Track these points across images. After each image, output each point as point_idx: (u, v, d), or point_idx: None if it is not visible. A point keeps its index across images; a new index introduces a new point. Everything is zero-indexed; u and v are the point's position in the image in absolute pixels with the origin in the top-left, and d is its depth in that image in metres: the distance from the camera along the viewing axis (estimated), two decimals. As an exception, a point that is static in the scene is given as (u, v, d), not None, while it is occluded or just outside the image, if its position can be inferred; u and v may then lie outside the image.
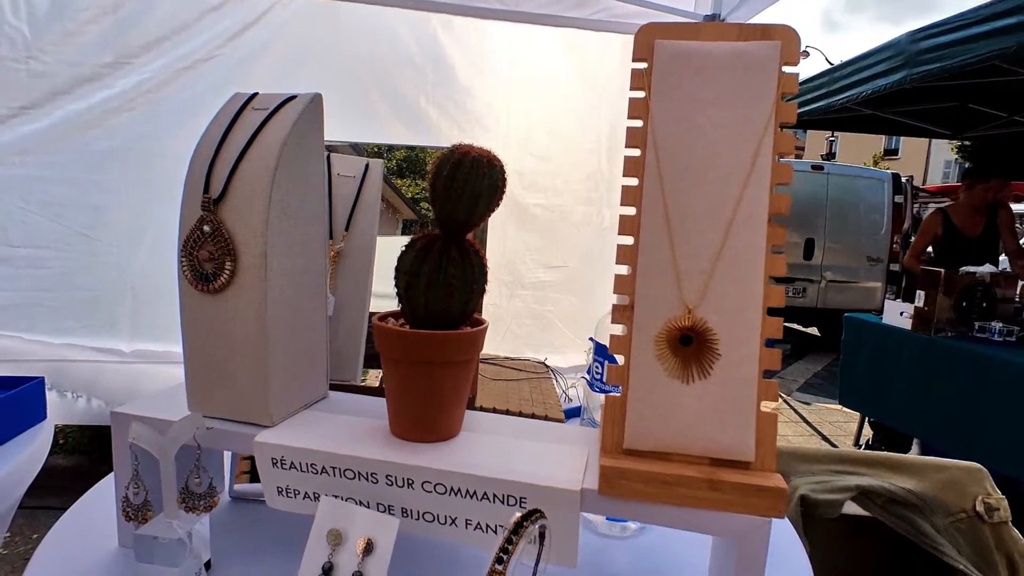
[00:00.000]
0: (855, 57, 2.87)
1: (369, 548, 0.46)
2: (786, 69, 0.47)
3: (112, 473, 0.68)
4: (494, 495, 0.48)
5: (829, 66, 3.24)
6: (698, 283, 0.47)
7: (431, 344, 0.50)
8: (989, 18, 2.26)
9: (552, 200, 2.35)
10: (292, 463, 0.51)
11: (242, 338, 0.52)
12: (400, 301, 0.53)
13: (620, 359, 0.49)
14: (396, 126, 2.14)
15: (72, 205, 2.02)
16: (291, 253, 0.54)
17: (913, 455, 1.05)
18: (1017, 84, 2.71)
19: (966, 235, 2.63)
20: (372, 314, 0.71)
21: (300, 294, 0.56)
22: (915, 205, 5.02)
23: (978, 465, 1.01)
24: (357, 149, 0.91)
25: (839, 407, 2.90)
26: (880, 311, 2.52)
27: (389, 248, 0.73)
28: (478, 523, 0.49)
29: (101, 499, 0.65)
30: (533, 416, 0.77)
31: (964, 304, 2.32)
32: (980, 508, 0.97)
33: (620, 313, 0.49)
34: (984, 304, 2.33)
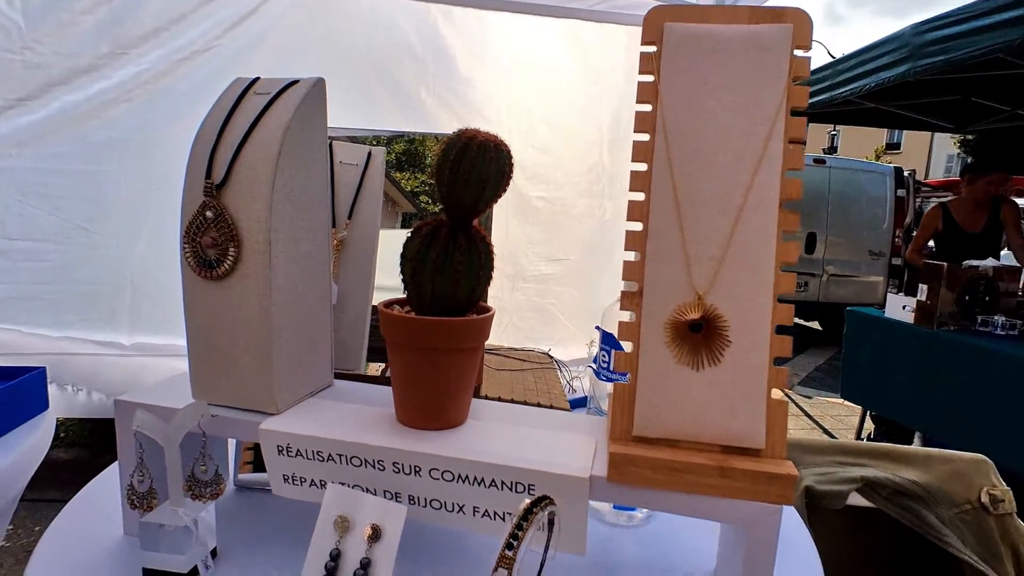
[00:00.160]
0: (858, 50, 2.86)
1: (377, 535, 0.46)
2: (798, 53, 0.47)
3: (115, 463, 0.68)
4: (502, 482, 0.48)
5: (831, 59, 3.23)
6: (708, 269, 0.46)
7: (438, 331, 0.50)
8: (993, 10, 2.25)
9: (554, 193, 2.34)
10: (298, 451, 0.51)
11: (246, 325, 0.52)
12: (406, 287, 0.52)
13: (629, 346, 0.48)
14: (396, 117, 2.13)
15: (70, 197, 2.01)
16: (295, 239, 0.54)
17: (918, 447, 1.05)
18: (1021, 77, 2.70)
19: (965, 231, 2.63)
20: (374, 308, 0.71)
21: (304, 281, 0.56)
22: (917, 199, 5.01)
23: (983, 457, 1.01)
24: (356, 142, 0.90)
25: (841, 401, 2.91)
26: (882, 305, 2.52)
27: (388, 242, 0.73)
28: (486, 510, 0.49)
29: (105, 488, 0.65)
30: (539, 406, 0.77)
31: (967, 298, 2.32)
32: (985, 500, 0.97)
33: (629, 300, 0.48)
34: (987, 298, 2.33)
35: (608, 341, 0.62)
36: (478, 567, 0.57)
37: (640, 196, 0.49)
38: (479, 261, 0.51)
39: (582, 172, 2.36)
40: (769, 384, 0.46)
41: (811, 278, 4.63)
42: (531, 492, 0.47)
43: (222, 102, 0.55)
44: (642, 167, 0.49)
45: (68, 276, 2.04)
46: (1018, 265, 2.48)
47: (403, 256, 0.51)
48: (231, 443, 0.68)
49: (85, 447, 2.29)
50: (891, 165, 4.84)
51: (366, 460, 0.50)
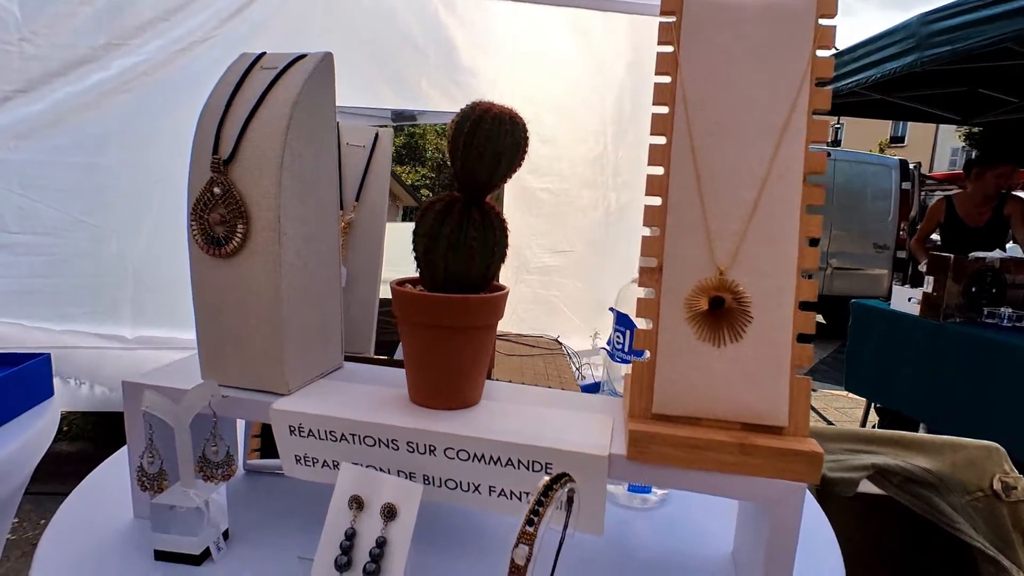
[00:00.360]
0: (865, 40, 2.83)
1: (392, 514, 0.45)
2: (823, 21, 0.46)
3: (124, 447, 0.67)
4: (519, 461, 0.47)
5: (836, 51, 3.20)
6: (730, 244, 0.45)
7: (454, 308, 0.49)
8: (1002, 0, 2.23)
9: (558, 184, 2.33)
10: (310, 431, 0.50)
11: (256, 303, 0.51)
12: (418, 265, 0.51)
13: (644, 323, 0.48)
14: (397, 107, 2.12)
15: (71, 190, 2.00)
16: (305, 216, 0.53)
17: (930, 435, 1.04)
18: (1029, 67, 2.67)
19: (967, 225, 2.61)
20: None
21: (314, 259, 0.55)
22: (922, 192, 4.98)
23: (996, 444, 1.00)
24: (362, 117, 0.89)
25: (845, 393, 2.90)
26: (886, 298, 2.51)
27: (389, 235, 0.72)
28: (502, 490, 0.49)
29: (113, 473, 0.64)
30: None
31: (973, 290, 2.31)
32: (997, 487, 0.96)
33: (648, 276, 0.47)
34: (994, 290, 2.32)
35: (623, 322, 0.62)
36: (494, 547, 0.56)
37: (659, 170, 0.48)
38: (494, 237, 0.50)
39: (586, 163, 2.35)
40: (792, 361, 0.45)
41: (815, 271, 4.61)
42: (548, 471, 0.47)
43: (228, 77, 0.54)
44: (661, 140, 0.47)
45: (69, 269, 2.03)
46: (1025, 257, 2.46)
47: (416, 232, 0.50)
48: (240, 428, 0.68)
49: (89, 440, 2.29)
50: (896, 158, 4.81)
51: (380, 440, 0.49)
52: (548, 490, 0.40)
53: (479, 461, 0.48)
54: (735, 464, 0.44)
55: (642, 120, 2.34)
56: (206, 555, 0.51)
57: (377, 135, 0.75)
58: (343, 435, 0.50)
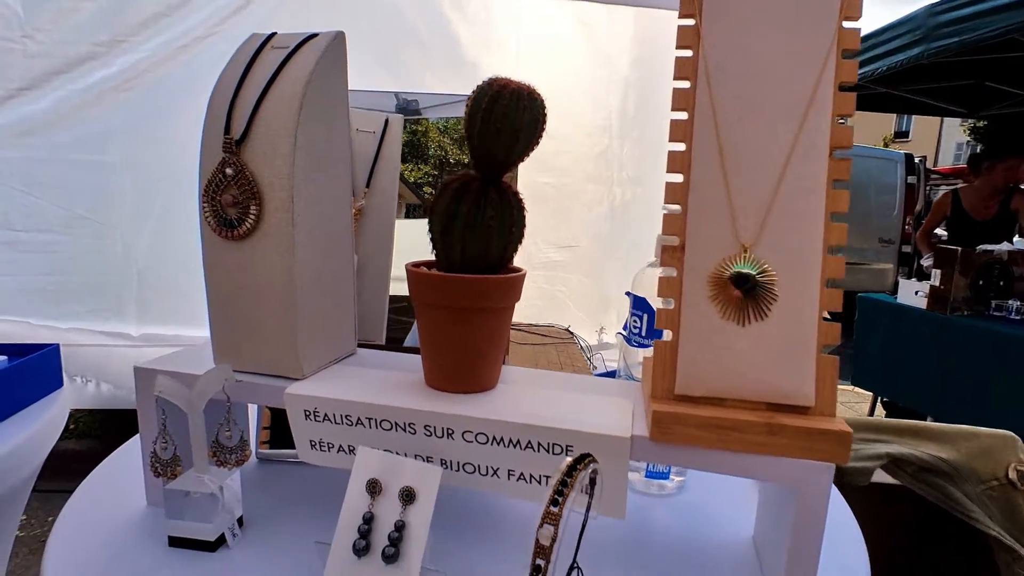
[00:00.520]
0: (871, 32, 2.82)
1: (411, 497, 0.45)
2: (847, -9, 0.45)
3: (134, 437, 0.67)
4: (538, 443, 0.46)
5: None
6: (754, 220, 0.44)
7: (471, 288, 0.48)
8: (1009, -10, 2.21)
9: (562, 179, 2.32)
10: (326, 415, 0.50)
11: (269, 286, 0.50)
12: (434, 247, 0.50)
13: (660, 303, 0.47)
14: (377, 120, 2.11)
15: (74, 188, 2.00)
16: (318, 198, 0.52)
17: (944, 424, 1.03)
18: (1036, 58, 2.65)
19: (974, 219, 2.60)
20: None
21: (328, 241, 0.54)
22: (927, 187, 4.95)
23: (1011, 433, 0.99)
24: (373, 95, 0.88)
25: (851, 387, 2.88)
26: (891, 293, 2.49)
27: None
28: (521, 473, 0.48)
29: (124, 462, 0.64)
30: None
31: (981, 283, 2.29)
32: (1013, 476, 0.95)
33: (670, 254, 0.46)
34: (1001, 283, 2.30)
35: (639, 306, 0.61)
36: (513, 532, 0.55)
37: (680, 146, 0.47)
38: (511, 217, 0.49)
39: (591, 158, 2.34)
40: (819, 340, 0.44)
41: (842, 247, 4.55)
42: (569, 453, 0.46)
43: (239, 56, 0.53)
44: (682, 116, 0.46)
45: (74, 267, 2.03)
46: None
47: (432, 212, 0.49)
48: (252, 417, 0.67)
49: (96, 438, 2.29)
50: (901, 152, 4.79)
51: (397, 424, 0.48)
52: (572, 470, 0.39)
53: (498, 444, 0.47)
54: (762, 444, 0.43)
55: (647, 115, 2.33)
56: (221, 541, 0.50)
57: (387, 121, 0.75)
58: (359, 419, 0.49)
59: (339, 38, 0.54)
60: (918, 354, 2.36)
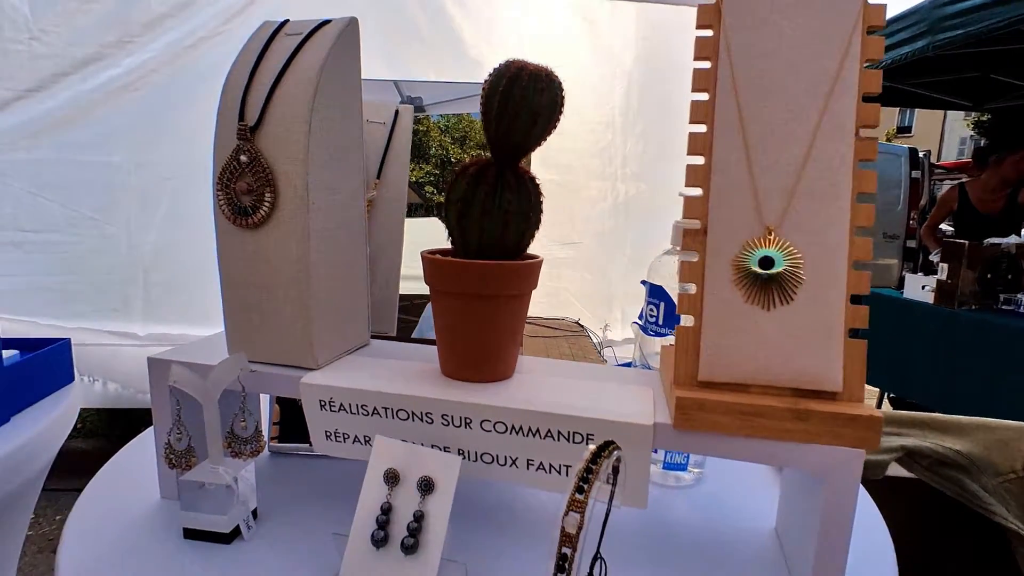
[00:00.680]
0: (874, 25, 2.79)
1: (429, 487, 0.44)
2: (872, -32, 0.43)
3: (144, 432, 0.66)
4: (558, 432, 0.45)
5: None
6: (779, 201, 0.43)
7: (490, 275, 0.47)
8: (1013, -18, 2.19)
9: (565, 176, 2.30)
10: (341, 405, 0.49)
11: (284, 274, 0.49)
12: (450, 234, 0.49)
13: (692, 288, 0.46)
14: (387, 111, 2.10)
15: (81, 188, 2.00)
16: (332, 186, 0.51)
17: (960, 416, 1.02)
18: (1042, 50, 2.63)
19: (981, 212, 2.57)
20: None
21: (342, 229, 0.53)
22: (931, 182, 4.92)
23: (1028, 424, 0.98)
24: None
25: (858, 384, 2.86)
26: (896, 288, 2.47)
27: None
28: (540, 463, 0.47)
29: (137, 455, 0.63)
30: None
31: (988, 276, 2.27)
32: (1030, 468, 0.94)
33: (692, 238, 0.45)
34: (1009, 276, 2.27)
35: (656, 294, 0.59)
36: (531, 522, 0.54)
37: (701, 128, 0.45)
38: (529, 202, 0.48)
39: (594, 154, 2.32)
40: (846, 323, 0.43)
41: (869, 228, 4.51)
42: (590, 442, 0.45)
43: (251, 44, 0.53)
44: (703, 97, 0.45)
45: (81, 267, 2.03)
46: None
47: (448, 199, 0.48)
48: (264, 409, 0.66)
49: (103, 437, 2.29)
50: (905, 146, 4.75)
51: (413, 413, 0.47)
52: (596, 457, 0.38)
53: (517, 433, 0.46)
54: (788, 431, 0.42)
55: (650, 110, 2.31)
56: (236, 533, 0.49)
57: (397, 112, 0.74)
58: (375, 409, 0.48)
59: (352, 24, 0.53)
60: (925, 349, 2.34)
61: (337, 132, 0.51)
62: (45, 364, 0.70)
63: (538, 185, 0.49)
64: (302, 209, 0.48)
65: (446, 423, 0.47)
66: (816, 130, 0.43)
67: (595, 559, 0.42)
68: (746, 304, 0.44)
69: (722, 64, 0.44)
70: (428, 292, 0.61)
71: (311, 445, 0.65)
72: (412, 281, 0.68)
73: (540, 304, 2.30)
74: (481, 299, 0.48)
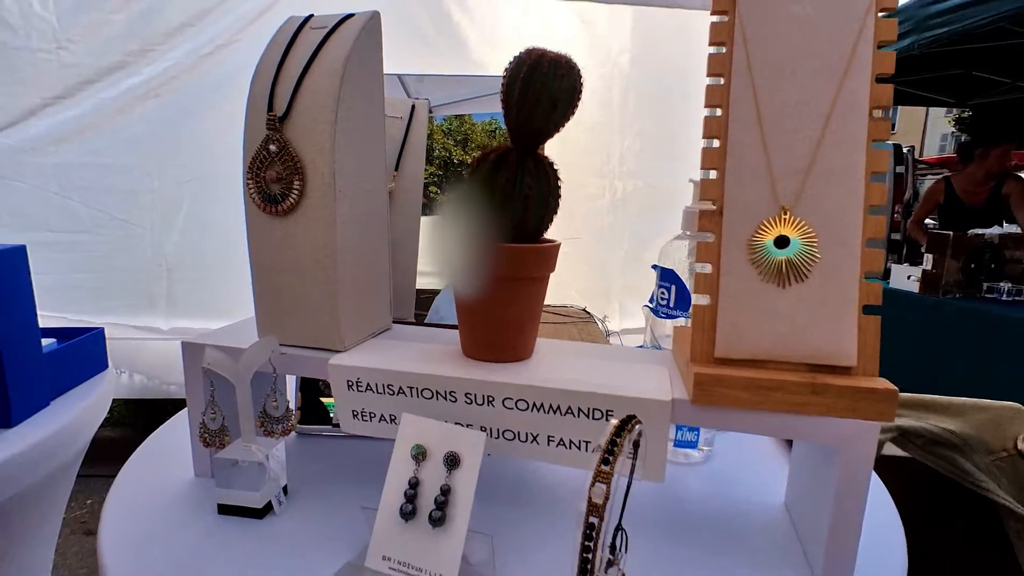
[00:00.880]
0: (861, 26, 2.75)
1: (455, 462, 0.43)
2: (883, -48, 0.42)
3: (173, 417, 0.65)
4: (579, 409, 0.44)
5: None
6: (794, 181, 0.42)
7: (510, 257, 0.46)
8: (997, -21, 2.15)
9: (565, 174, 2.27)
10: (368, 384, 0.48)
11: (312, 259, 0.48)
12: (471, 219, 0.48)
13: (708, 268, 0.44)
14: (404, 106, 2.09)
15: (106, 191, 2.00)
16: (358, 174, 0.50)
17: (953, 397, 1.01)
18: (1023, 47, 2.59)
19: (966, 204, 2.55)
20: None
21: (367, 216, 0.52)
22: (915, 176, 4.88)
23: (1019, 405, 0.97)
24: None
25: (847, 370, 2.84)
26: (882, 279, 2.45)
27: None
28: (561, 439, 0.46)
29: (170, 438, 0.62)
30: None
31: (972, 266, 2.25)
32: (1021, 446, 0.93)
33: (708, 219, 0.44)
34: (992, 265, 2.26)
35: (667, 278, 0.58)
36: (550, 498, 0.54)
37: (716, 111, 0.44)
38: (548, 187, 0.47)
39: (593, 152, 2.31)
40: (860, 299, 0.42)
41: (883, 207, 4.47)
42: (609, 418, 0.44)
43: (278, 38, 0.51)
44: (718, 81, 0.44)
45: (107, 265, 2.03)
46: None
47: (469, 183, 0.47)
48: (291, 393, 0.65)
49: (130, 426, 2.30)
50: (889, 142, 4.71)
51: (438, 392, 0.47)
52: (620, 430, 0.37)
53: (538, 411, 0.45)
54: (805, 405, 0.41)
55: (647, 110, 2.29)
56: (268, 509, 0.49)
57: (413, 107, 0.73)
58: (401, 388, 0.47)
59: (375, 18, 0.52)
60: (911, 337, 2.32)
61: (362, 122, 0.50)
62: (81, 351, 0.70)
63: (556, 171, 0.48)
64: (329, 196, 0.47)
65: (469, 401, 0.46)
66: (831, 111, 0.42)
67: (617, 529, 0.41)
68: (761, 283, 0.43)
69: (737, 48, 0.43)
70: (436, 286, 0.60)
71: (333, 426, 0.64)
72: (420, 276, 0.68)
73: (543, 296, 2.30)
74: (501, 281, 0.47)
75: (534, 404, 0.45)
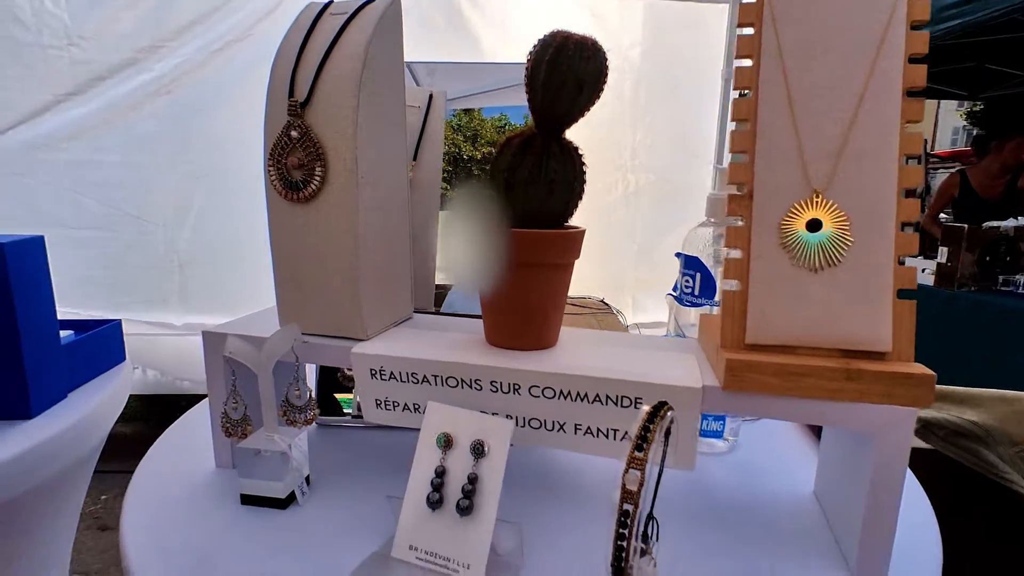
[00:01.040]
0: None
1: (482, 451, 0.42)
2: (918, -72, 0.41)
3: (191, 409, 0.65)
4: (607, 396, 0.44)
5: None
6: (826, 164, 0.41)
7: (535, 243, 0.45)
8: (1010, -29, 2.11)
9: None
10: (392, 373, 0.47)
11: (334, 246, 0.48)
12: (495, 204, 0.48)
13: (738, 253, 0.44)
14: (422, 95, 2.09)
15: (119, 187, 2.01)
16: (379, 160, 0.50)
17: (976, 388, 0.99)
18: (1038, 38, 2.54)
19: (982, 197, 2.51)
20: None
21: (388, 203, 0.52)
22: (927, 170, 4.81)
23: (1043, 396, 0.95)
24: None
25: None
26: (895, 273, 2.42)
27: None
28: (588, 427, 0.45)
29: (189, 429, 0.62)
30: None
31: (987, 259, 2.22)
32: (1045, 438, 0.91)
33: (737, 203, 0.43)
34: (1008, 258, 2.22)
35: (691, 265, 0.58)
36: (580, 486, 0.53)
37: (746, 93, 0.43)
38: (574, 171, 0.46)
39: (605, 146, 2.29)
40: (895, 284, 0.41)
41: (918, 188, 4.42)
42: (638, 406, 0.43)
43: (299, 23, 0.51)
44: (747, 63, 0.43)
45: (120, 261, 2.04)
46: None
47: (493, 169, 0.46)
48: (312, 382, 0.65)
49: (143, 421, 2.31)
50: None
51: (462, 380, 0.46)
52: (653, 416, 0.36)
53: (565, 398, 0.45)
54: (839, 391, 0.40)
55: (658, 103, 2.28)
56: (291, 499, 0.49)
57: (431, 96, 0.72)
58: (425, 376, 0.47)
59: (396, 3, 0.51)
60: (926, 330, 2.28)
61: (383, 107, 0.50)
62: (99, 343, 0.70)
63: (581, 155, 0.47)
64: (351, 183, 0.47)
65: (495, 389, 0.46)
66: (863, 92, 0.41)
67: (649, 517, 0.40)
68: (793, 267, 0.42)
69: (766, 29, 0.42)
70: (448, 280, 0.59)
71: (350, 417, 0.64)
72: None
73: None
74: (526, 267, 0.46)
75: (561, 392, 0.45)
